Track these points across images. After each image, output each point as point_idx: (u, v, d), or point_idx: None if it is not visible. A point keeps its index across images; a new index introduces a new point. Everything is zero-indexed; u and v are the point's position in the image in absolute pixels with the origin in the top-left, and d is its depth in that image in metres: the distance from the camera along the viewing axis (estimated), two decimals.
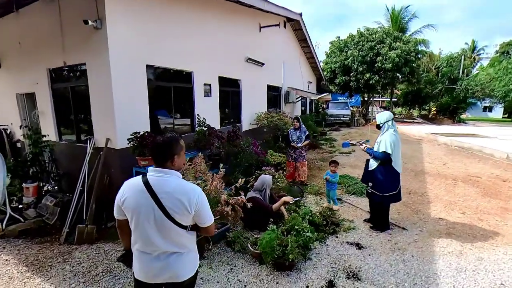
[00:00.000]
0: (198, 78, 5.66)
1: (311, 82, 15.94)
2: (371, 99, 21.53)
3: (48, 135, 4.66)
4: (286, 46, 11.26)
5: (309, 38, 12.69)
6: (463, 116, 27.36)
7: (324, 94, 18.38)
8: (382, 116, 3.58)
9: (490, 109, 35.56)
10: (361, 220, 4.08)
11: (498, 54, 27.52)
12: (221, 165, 3.44)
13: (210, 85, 6.11)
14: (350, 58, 16.92)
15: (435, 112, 26.06)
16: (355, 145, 4.03)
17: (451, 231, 3.72)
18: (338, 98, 20.34)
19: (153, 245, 1.52)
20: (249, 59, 7.78)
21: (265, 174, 4.74)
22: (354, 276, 2.80)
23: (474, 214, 4.25)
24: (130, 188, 1.54)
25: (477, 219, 4.10)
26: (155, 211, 1.48)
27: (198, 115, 5.35)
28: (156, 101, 4.82)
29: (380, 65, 16.11)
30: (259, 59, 8.40)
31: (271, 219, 3.96)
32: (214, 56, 6.13)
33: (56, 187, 4.75)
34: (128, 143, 3.91)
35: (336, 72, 18.13)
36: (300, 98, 12.67)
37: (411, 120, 22.16)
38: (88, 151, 4.15)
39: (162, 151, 1.54)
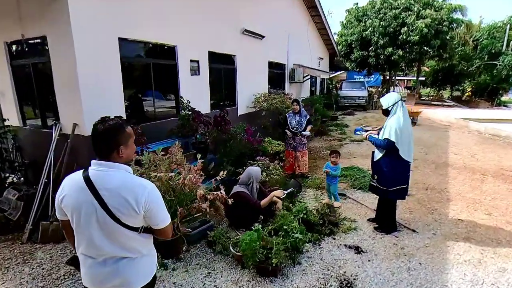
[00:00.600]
0: (184, 54, 5.49)
1: (322, 59, 15.50)
2: (394, 78, 20.86)
3: (8, 119, 4.64)
4: (292, 16, 10.85)
5: (320, 6, 12.19)
6: (505, 98, 26.33)
7: (338, 72, 17.90)
8: (389, 98, 3.39)
9: None
10: (365, 219, 3.99)
11: None
12: (199, 156, 3.35)
13: (198, 61, 5.94)
14: (370, 29, 16.29)
15: (470, 94, 25.17)
16: (369, 131, 3.85)
17: (471, 236, 3.59)
18: (355, 76, 19.78)
19: (97, 249, 1.50)
20: (246, 31, 7.52)
21: (257, 165, 4.66)
22: (348, 285, 2.74)
23: (502, 216, 4.09)
24: (70, 185, 1.50)
25: (505, 222, 3.93)
26: (98, 211, 1.44)
27: (181, 97, 5.22)
28: (132, 81, 4.70)
29: (405, 37, 15.47)
30: (259, 31, 8.11)
31: (260, 216, 3.95)
32: (203, 27, 5.92)
33: (22, 178, 4.78)
34: None
35: (353, 46, 17.55)
36: (308, 77, 12.35)
37: (440, 103, 21.46)
38: (53, 138, 4.11)
39: (104, 140, 1.48)
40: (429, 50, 16.45)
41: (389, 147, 3.26)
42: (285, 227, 3.21)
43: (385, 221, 3.66)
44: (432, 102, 21.94)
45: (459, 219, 3.99)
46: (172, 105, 5.57)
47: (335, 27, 21.00)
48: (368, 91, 18.18)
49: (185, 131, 4.60)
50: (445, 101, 23.75)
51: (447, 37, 16.57)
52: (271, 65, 9.39)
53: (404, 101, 3.37)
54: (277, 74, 10.15)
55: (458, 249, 3.28)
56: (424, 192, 4.91)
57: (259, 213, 3.85)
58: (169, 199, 2.94)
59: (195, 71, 5.93)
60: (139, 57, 4.77)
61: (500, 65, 21.52)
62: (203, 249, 3.40)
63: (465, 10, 20.42)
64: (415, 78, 25.08)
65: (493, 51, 22.40)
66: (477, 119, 11.80)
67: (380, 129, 3.64)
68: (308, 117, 5.51)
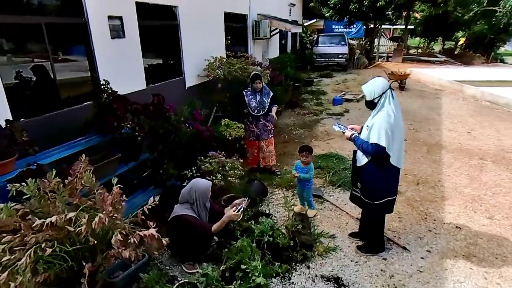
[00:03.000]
0: (97, 7, 4.59)
1: (294, 5, 14.67)
2: (379, 27, 20.57)
3: None
4: None
5: None
6: (502, 49, 27.09)
7: (314, 20, 17.15)
8: (373, 86, 2.99)
9: None
10: (347, 233, 3.77)
11: None
12: (114, 180, 2.72)
13: (121, 18, 5.09)
14: None
15: (463, 43, 25.82)
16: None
17: (472, 251, 3.47)
18: (334, 27, 19.20)
19: None
20: None
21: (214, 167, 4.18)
22: None
23: (506, 219, 4.01)
24: None
25: (510, 227, 3.86)
26: None
27: (94, 74, 4.43)
28: (13, 51, 3.92)
29: None
30: None
31: (214, 238, 3.57)
32: None
33: None
34: None
35: None
36: (276, 30, 11.59)
37: (430, 59, 21.81)
38: None
39: None
40: None
41: (378, 153, 2.92)
42: (243, 266, 2.85)
43: (371, 239, 3.46)
44: (422, 58, 22.27)
45: (457, 227, 3.89)
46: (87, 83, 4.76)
47: None
48: (349, 45, 17.80)
49: (102, 127, 3.88)
50: (436, 56, 24.25)
51: None
52: (228, 17, 8.60)
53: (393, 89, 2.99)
54: (237, 30, 9.43)
55: (458, 274, 3.15)
56: (416, 188, 4.78)
57: (210, 238, 3.46)
58: (70, 250, 2.38)
59: (117, 32, 5.10)
60: (17, 12, 3.79)
61: (500, 11, 21.86)
62: None
63: None
64: (403, 26, 25.06)
65: None
66: (472, 81, 12.03)
67: (362, 127, 3.30)
68: (272, 94, 5.01)
